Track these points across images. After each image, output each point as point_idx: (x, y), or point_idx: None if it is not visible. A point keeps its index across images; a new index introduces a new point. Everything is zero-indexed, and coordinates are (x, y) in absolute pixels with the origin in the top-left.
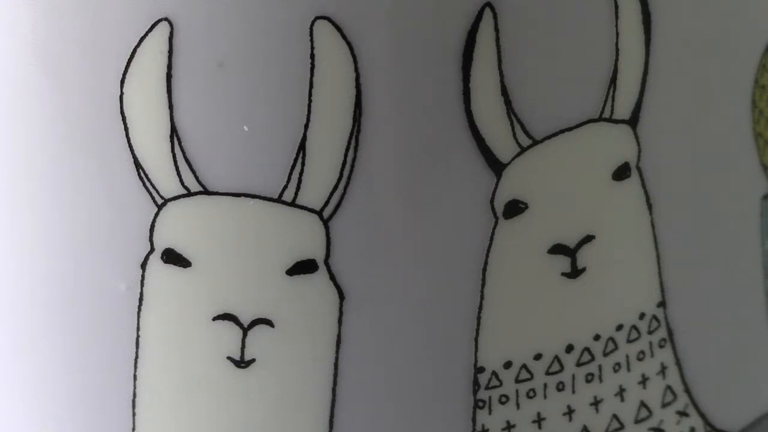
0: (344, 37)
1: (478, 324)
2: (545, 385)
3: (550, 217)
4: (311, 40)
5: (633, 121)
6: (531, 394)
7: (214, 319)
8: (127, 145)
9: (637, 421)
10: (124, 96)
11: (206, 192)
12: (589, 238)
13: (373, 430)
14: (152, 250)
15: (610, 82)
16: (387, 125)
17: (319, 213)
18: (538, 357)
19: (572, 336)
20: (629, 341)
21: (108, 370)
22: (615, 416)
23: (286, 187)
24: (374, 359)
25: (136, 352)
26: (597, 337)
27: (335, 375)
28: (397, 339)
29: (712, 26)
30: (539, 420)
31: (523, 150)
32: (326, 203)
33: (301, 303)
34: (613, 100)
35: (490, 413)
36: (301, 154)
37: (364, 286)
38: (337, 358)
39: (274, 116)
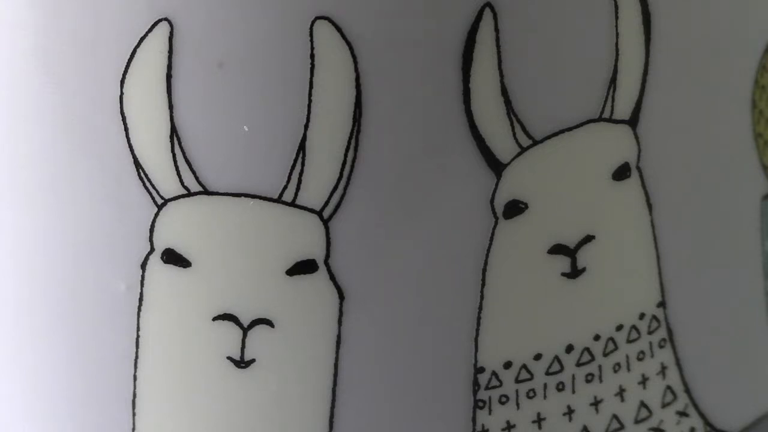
0: (344, 37)
1: (478, 324)
2: (545, 385)
3: (550, 217)
4: (311, 40)
5: (633, 121)
6: (531, 394)
7: (214, 319)
8: (127, 145)
9: (637, 422)
10: (124, 96)
11: (206, 192)
12: (589, 238)
13: (373, 430)
14: (152, 250)
15: (610, 82)
16: (387, 125)
17: (319, 213)
18: (538, 357)
19: (572, 336)
20: (629, 341)
21: (108, 370)
22: (615, 416)
23: (286, 187)
24: (374, 359)
25: (136, 352)
26: (597, 338)
27: (335, 375)
28: (397, 339)
29: (712, 26)
30: (539, 420)
31: (523, 150)
32: (326, 203)
33: (301, 303)
34: (613, 100)
35: (490, 413)
36: (301, 154)
37: (364, 286)
38: (337, 358)
39: (274, 116)
